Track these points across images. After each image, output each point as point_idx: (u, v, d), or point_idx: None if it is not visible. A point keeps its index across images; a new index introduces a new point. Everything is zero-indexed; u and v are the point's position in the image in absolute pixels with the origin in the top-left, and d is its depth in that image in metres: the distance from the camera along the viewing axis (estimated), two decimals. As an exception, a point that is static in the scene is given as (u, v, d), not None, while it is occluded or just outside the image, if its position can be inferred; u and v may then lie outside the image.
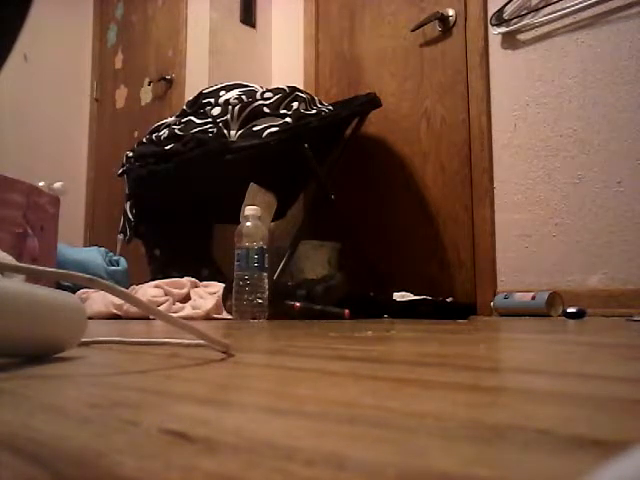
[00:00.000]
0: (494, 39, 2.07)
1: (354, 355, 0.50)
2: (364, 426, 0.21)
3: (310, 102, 2.09)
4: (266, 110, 1.98)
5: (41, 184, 1.95)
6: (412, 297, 1.82)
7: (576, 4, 1.86)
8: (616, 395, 0.28)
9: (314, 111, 2.04)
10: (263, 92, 2.07)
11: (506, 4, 2.01)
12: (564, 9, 1.89)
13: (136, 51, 3.18)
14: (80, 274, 0.43)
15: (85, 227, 3.35)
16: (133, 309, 1.60)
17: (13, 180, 1.71)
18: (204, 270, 2.21)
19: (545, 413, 0.23)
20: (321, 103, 2.16)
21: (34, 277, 1.15)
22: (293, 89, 2.08)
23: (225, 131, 1.96)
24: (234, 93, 2.08)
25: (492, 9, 2.06)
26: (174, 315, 0.54)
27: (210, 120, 2.04)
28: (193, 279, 1.82)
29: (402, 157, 2.31)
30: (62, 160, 3.23)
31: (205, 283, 1.82)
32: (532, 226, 1.92)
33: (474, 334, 0.83)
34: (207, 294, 1.73)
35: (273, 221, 2.17)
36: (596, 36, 1.83)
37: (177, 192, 2.18)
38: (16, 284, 0.44)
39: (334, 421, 0.22)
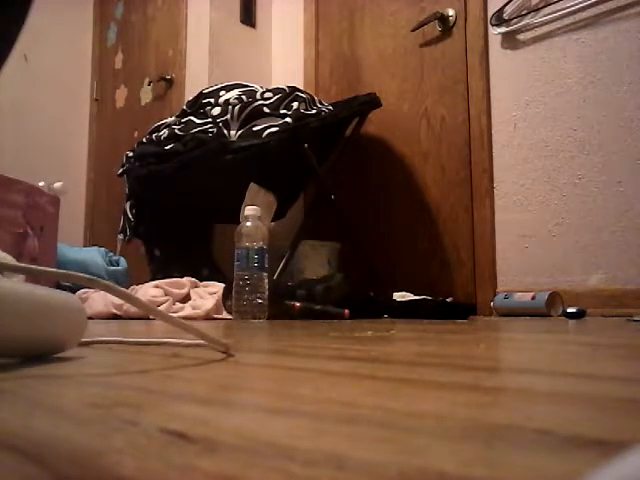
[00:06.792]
0: (494, 39, 2.07)
1: (354, 355, 0.50)
2: (364, 426, 0.21)
3: (310, 102, 2.09)
4: (266, 110, 1.98)
5: (41, 184, 1.95)
6: (412, 297, 1.82)
7: (576, 4, 1.86)
8: (616, 395, 0.28)
9: (314, 111, 2.04)
10: (263, 92, 2.07)
11: (506, 4, 2.01)
12: (564, 9, 1.89)
13: (136, 51, 3.18)
14: (80, 274, 0.43)
15: (85, 227, 3.35)
16: (133, 309, 1.60)
17: (13, 180, 1.71)
18: (204, 270, 2.20)
19: (545, 413, 0.23)
20: (321, 103, 2.16)
21: (34, 277, 1.15)
22: (293, 89, 2.08)
23: (225, 131, 1.96)
24: (234, 93, 2.07)
25: (492, 9, 2.06)
26: (174, 315, 0.54)
27: (210, 120, 2.04)
28: (193, 279, 1.82)
29: (402, 157, 2.31)
30: (62, 160, 3.22)
31: (205, 283, 1.82)
32: (532, 226, 1.92)
33: (474, 334, 0.83)
34: (207, 294, 1.73)
35: (273, 221, 2.17)
36: (596, 36, 1.83)
37: (177, 192, 2.18)
38: (16, 284, 0.44)
39: (334, 421, 0.22)
